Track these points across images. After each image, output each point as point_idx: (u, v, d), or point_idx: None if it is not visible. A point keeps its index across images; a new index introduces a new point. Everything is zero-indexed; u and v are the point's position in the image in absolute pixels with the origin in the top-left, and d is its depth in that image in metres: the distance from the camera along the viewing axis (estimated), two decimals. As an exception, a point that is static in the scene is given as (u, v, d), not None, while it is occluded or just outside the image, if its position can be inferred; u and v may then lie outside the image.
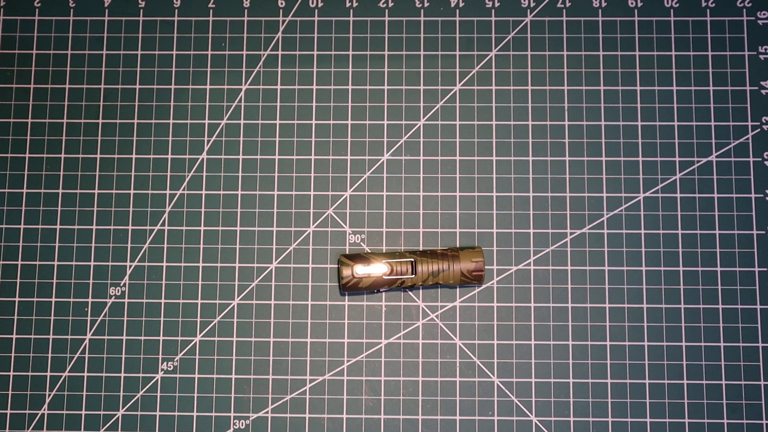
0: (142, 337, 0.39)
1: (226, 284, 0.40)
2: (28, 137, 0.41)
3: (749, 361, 0.39)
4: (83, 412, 0.39)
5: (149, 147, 0.41)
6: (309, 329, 0.39)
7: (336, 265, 0.40)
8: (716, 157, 0.40)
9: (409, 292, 0.40)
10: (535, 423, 0.39)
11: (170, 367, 0.39)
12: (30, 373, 0.39)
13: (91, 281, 0.40)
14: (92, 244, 0.40)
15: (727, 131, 0.41)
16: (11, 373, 0.39)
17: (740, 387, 0.39)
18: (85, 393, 0.39)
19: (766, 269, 0.39)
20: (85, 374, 0.39)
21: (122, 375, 0.39)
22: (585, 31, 0.42)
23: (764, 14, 0.42)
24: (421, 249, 0.40)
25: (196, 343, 0.39)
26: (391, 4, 0.42)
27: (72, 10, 0.42)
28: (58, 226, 0.40)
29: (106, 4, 0.42)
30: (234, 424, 0.39)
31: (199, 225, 0.40)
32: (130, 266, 0.40)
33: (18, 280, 0.40)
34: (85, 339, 0.39)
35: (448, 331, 0.39)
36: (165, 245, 0.40)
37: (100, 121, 0.41)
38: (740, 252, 0.40)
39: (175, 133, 0.41)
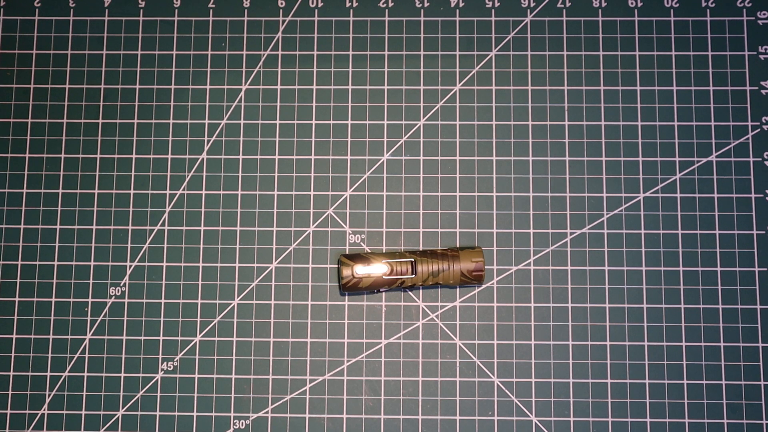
0: (142, 337, 0.39)
1: (226, 284, 0.40)
2: (28, 137, 0.41)
3: (749, 361, 0.39)
4: (83, 412, 0.39)
5: (149, 147, 0.41)
6: (309, 329, 0.39)
7: (336, 265, 0.40)
8: (716, 157, 0.40)
9: (409, 292, 0.40)
10: (535, 423, 0.39)
11: (170, 367, 0.39)
12: (30, 373, 0.39)
13: (91, 281, 0.40)
14: (92, 244, 0.40)
15: (727, 131, 0.41)
16: (11, 373, 0.39)
17: (740, 387, 0.39)
18: (85, 393, 0.39)
19: (766, 269, 0.39)
20: (85, 374, 0.39)
21: (122, 375, 0.39)
22: (585, 31, 0.42)
23: (764, 14, 0.42)
24: (421, 249, 0.40)
25: (196, 343, 0.39)
26: (391, 4, 0.42)
27: (72, 10, 0.42)
28: (58, 226, 0.40)
29: (106, 4, 0.42)
30: (234, 424, 0.39)
31: (199, 225, 0.40)
32: (130, 266, 0.40)
33: (18, 280, 0.40)
34: (85, 339, 0.39)
35: (448, 331, 0.39)
36: (165, 245, 0.40)
37: (100, 121, 0.41)
38: (740, 252, 0.40)
39: (175, 133, 0.41)
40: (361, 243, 0.40)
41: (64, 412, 0.39)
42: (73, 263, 0.40)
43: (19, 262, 0.40)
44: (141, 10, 0.42)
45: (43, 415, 0.39)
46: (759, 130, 0.41)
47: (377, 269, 0.38)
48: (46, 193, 0.41)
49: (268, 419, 0.39)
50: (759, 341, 0.39)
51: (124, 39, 0.42)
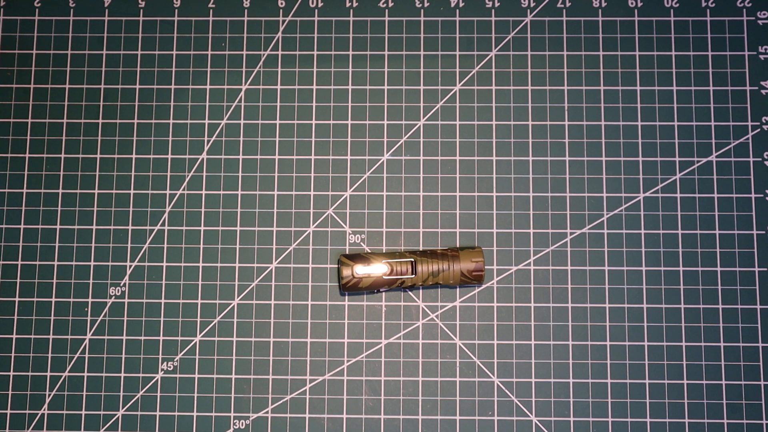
0: (142, 337, 0.39)
1: (226, 284, 0.40)
2: (28, 137, 0.41)
3: (749, 361, 0.39)
4: (83, 412, 0.39)
5: (149, 147, 0.41)
6: (309, 329, 0.39)
7: (336, 265, 0.40)
8: (716, 157, 0.40)
9: (409, 292, 0.40)
10: (535, 423, 0.39)
11: (170, 367, 0.39)
12: (30, 373, 0.39)
13: (91, 281, 0.40)
14: (92, 244, 0.40)
15: (727, 131, 0.41)
16: (11, 373, 0.39)
17: (740, 387, 0.39)
18: (85, 393, 0.39)
19: (766, 269, 0.39)
20: (85, 374, 0.39)
21: (122, 375, 0.39)
22: (585, 31, 0.42)
23: (764, 14, 0.42)
24: (421, 249, 0.40)
25: (196, 343, 0.39)
26: (391, 4, 0.42)
27: (72, 10, 0.42)
28: (58, 226, 0.40)
29: (106, 4, 0.42)
30: (234, 424, 0.39)
31: (199, 225, 0.40)
32: (130, 266, 0.40)
33: (18, 280, 0.40)
34: (85, 339, 0.39)
35: (448, 331, 0.39)
36: (165, 245, 0.40)
37: (100, 121, 0.41)
38: (740, 252, 0.40)
39: (175, 133, 0.41)
40: (361, 243, 0.40)
41: (64, 412, 0.39)
42: (73, 263, 0.40)
43: (19, 262, 0.40)
44: (141, 10, 0.42)
45: (43, 415, 0.39)
46: (759, 130, 0.41)
47: (377, 269, 0.38)
48: (46, 193, 0.41)
49: (268, 419, 0.39)
50: (759, 341, 0.39)
51: (124, 39, 0.42)
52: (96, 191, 0.41)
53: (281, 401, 0.39)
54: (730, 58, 0.41)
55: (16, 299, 0.40)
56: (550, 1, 0.42)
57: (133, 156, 0.41)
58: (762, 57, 0.41)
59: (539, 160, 0.41)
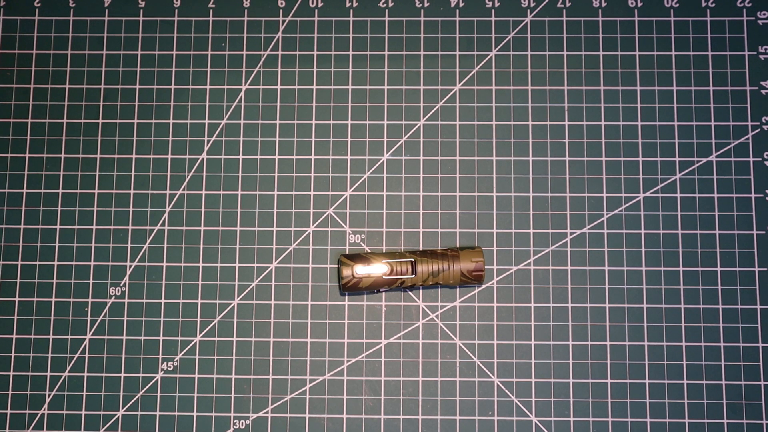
0: (142, 337, 0.39)
1: (226, 284, 0.40)
2: (28, 137, 0.41)
3: (749, 361, 0.39)
4: (83, 412, 0.39)
5: (149, 147, 0.41)
6: (309, 329, 0.39)
7: (336, 265, 0.40)
8: (716, 157, 0.40)
9: (409, 292, 0.40)
10: (535, 423, 0.39)
11: (170, 367, 0.39)
12: (30, 373, 0.39)
13: (91, 281, 0.40)
14: (92, 244, 0.40)
15: (727, 131, 0.41)
16: (11, 373, 0.39)
17: (740, 387, 0.39)
18: (85, 393, 0.39)
19: (766, 269, 0.39)
20: (85, 374, 0.39)
21: (122, 375, 0.39)
22: (585, 31, 0.42)
23: (764, 14, 0.42)
24: (421, 249, 0.40)
25: (196, 343, 0.39)
26: (391, 4, 0.42)
27: (72, 10, 0.42)
28: (58, 226, 0.40)
29: (106, 4, 0.42)
30: (234, 424, 0.39)
31: (199, 225, 0.40)
32: (130, 266, 0.40)
33: (18, 280, 0.40)
34: (85, 339, 0.39)
35: (448, 331, 0.39)
36: (165, 245, 0.40)
37: (100, 121, 0.41)
38: (740, 252, 0.40)
39: (175, 133, 0.41)
40: (361, 243, 0.40)
41: (64, 412, 0.39)
42: (73, 263, 0.40)
43: (19, 262, 0.40)
44: (141, 10, 0.42)
45: (43, 415, 0.39)
46: (759, 130, 0.41)
47: (377, 269, 0.38)
48: (46, 193, 0.41)
49: (268, 419, 0.39)
50: (759, 341, 0.39)
51: (124, 39, 0.42)
52: (96, 191, 0.41)
53: (281, 401, 0.39)
54: (730, 58, 0.41)
55: (16, 299, 0.40)
56: (550, 1, 0.42)
57: (133, 156, 0.41)
58: (762, 57, 0.41)
59: (539, 160, 0.41)
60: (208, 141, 0.41)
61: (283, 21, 0.42)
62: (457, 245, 0.40)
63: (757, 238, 0.40)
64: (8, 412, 0.39)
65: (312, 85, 0.41)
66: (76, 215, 0.40)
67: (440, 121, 0.41)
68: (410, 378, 0.39)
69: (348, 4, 0.42)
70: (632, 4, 0.42)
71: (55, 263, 0.40)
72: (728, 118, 0.41)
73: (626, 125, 0.41)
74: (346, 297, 0.40)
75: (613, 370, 0.39)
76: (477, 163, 0.41)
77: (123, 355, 0.39)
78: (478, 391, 0.39)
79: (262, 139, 0.41)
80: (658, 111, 0.41)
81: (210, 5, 0.42)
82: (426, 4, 0.42)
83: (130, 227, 0.40)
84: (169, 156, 0.41)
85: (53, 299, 0.40)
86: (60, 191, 0.41)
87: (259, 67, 0.42)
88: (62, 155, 0.41)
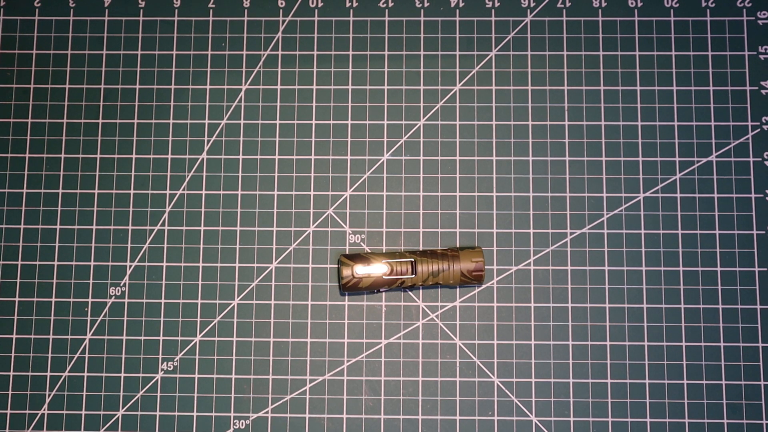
0: (142, 337, 0.39)
1: (226, 284, 0.40)
2: (28, 137, 0.41)
3: (749, 361, 0.39)
4: (83, 412, 0.39)
5: (149, 147, 0.41)
6: (309, 329, 0.39)
7: (336, 265, 0.40)
8: (716, 157, 0.40)
9: (409, 292, 0.40)
10: (535, 423, 0.39)
11: (170, 367, 0.39)
12: (30, 373, 0.39)
13: (91, 281, 0.40)
14: (92, 244, 0.40)
15: (727, 131, 0.41)
16: (11, 373, 0.39)
17: (740, 387, 0.39)
18: (85, 393, 0.39)
19: (766, 269, 0.39)
20: (85, 374, 0.39)
21: (122, 375, 0.39)
22: (585, 31, 0.42)
23: (764, 14, 0.42)
24: (421, 249, 0.40)
25: (196, 343, 0.39)
26: (391, 4, 0.42)
27: (72, 10, 0.42)
28: (58, 226, 0.40)
29: (106, 4, 0.42)
30: (234, 424, 0.39)
31: (199, 225, 0.40)
32: (130, 266, 0.40)
33: (18, 280, 0.40)
34: (85, 339, 0.39)
35: (448, 331, 0.39)
36: (165, 245, 0.40)
37: (100, 121, 0.41)
38: (740, 252, 0.40)
39: (175, 133, 0.41)
40: (361, 243, 0.40)
41: (64, 412, 0.39)
42: (73, 263, 0.40)
43: (19, 262, 0.40)
44: (141, 10, 0.42)
45: (43, 415, 0.39)
46: (759, 130, 0.41)
47: (377, 269, 0.38)
48: (46, 193, 0.41)
49: (268, 419, 0.39)
50: (759, 341, 0.39)
51: (124, 39, 0.42)
52: (96, 191, 0.41)
53: (281, 401, 0.39)
54: (730, 58, 0.41)
55: (16, 299, 0.40)
56: (550, 1, 0.42)
57: (133, 156, 0.41)
58: (762, 57, 0.41)
59: (539, 160, 0.41)
60: (208, 141, 0.41)
61: (283, 21, 0.42)
62: (457, 245, 0.40)
63: (757, 238, 0.40)
64: (8, 412, 0.39)
65: (312, 85, 0.41)
66: (76, 215, 0.40)
67: (440, 121, 0.41)
68: (410, 378, 0.39)
69: (348, 4, 0.42)
70: (632, 4, 0.42)
71: (55, 263, 0.40)
72: (728, 118, 0.41)
73: (626, 125, 0.41)
74: (346, 297, 0.40)
75: (613, 370, 0.39)
76: (477, 163, 0.41)
77: (123, 355, 0.39)
78: (478, 391, 0.39)
79: (262, 139, 0.41)
80: (658, 111, 0.41)
81: (210, 5, 0.42)
82: (426, 4, 0.42)
83: (130, 227, 0.40)
84: (169, 156, 0.41)
85: (53, 299, 0.40)
86: (60, 191, 0.41)
87: (259, 67, 0.42)
88: (62, 155, 0.41)
